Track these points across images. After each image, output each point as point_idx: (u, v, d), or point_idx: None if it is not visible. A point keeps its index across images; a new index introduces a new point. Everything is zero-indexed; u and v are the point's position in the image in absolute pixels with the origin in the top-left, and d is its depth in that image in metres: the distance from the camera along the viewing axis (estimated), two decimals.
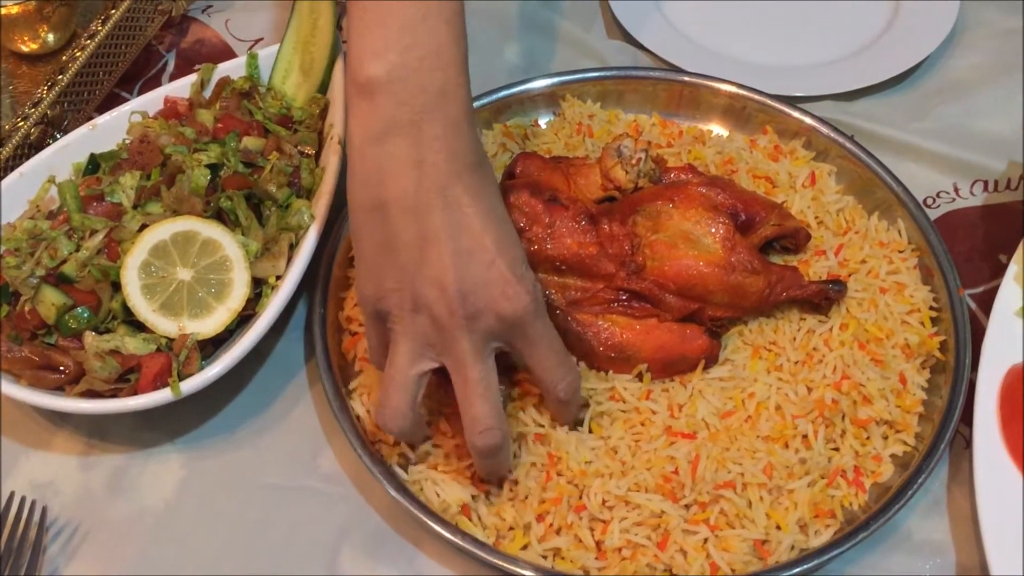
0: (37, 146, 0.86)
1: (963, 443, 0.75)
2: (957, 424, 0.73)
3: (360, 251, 0.66)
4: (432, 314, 0.63)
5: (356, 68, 0.63)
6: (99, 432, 0.77)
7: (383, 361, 0.68)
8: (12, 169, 0.83)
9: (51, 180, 0.83)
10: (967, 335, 0.76)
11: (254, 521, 0.73)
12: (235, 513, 0.73)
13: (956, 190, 0.91)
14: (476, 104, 0.88)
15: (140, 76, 1.02)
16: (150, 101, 0.88)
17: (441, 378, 0.67)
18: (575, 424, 0.73)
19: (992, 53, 1.02)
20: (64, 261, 0.75)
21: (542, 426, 0.72)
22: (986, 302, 0.81)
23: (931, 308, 0.79)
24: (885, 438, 0.73)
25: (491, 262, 0.63)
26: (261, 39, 1.05)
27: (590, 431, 0.73)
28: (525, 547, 0.69)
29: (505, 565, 0.67)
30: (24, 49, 0.98)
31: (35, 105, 0.87)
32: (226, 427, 0.78)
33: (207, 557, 0.71)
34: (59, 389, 0.74)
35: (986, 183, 0.91)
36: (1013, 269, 0.79)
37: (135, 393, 0.72)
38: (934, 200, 0.90)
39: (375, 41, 0.62)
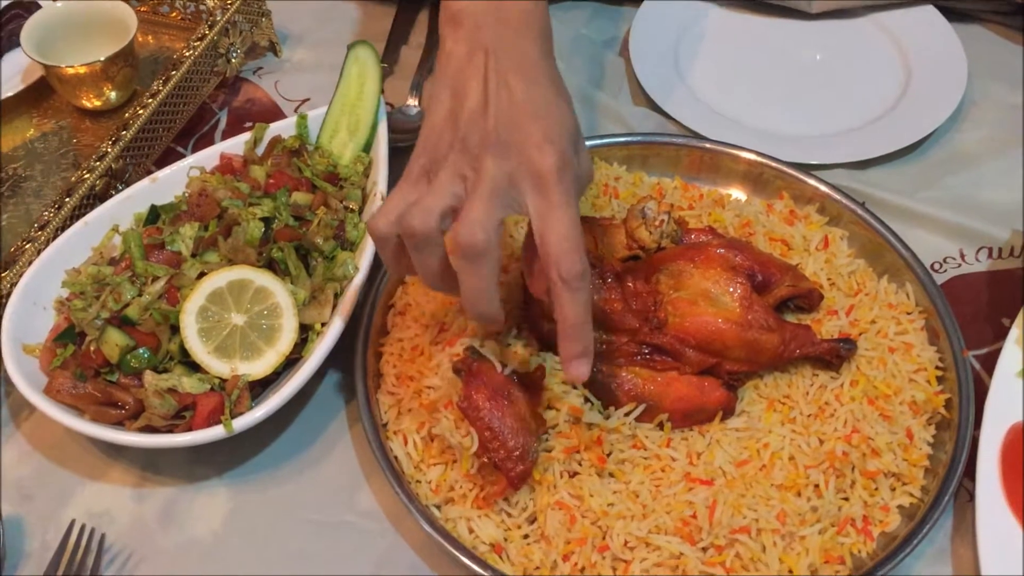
0: (101, 197, 0.92)
1: (966, 496, 0.79)
2: (961, 478, 0.76)
3: (420, 139, 0.71)
4: (467, 144, 0.68)
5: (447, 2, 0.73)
6: (152, 465, 0.82)
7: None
8: (78, 218, 0.89)
9: (115, 229, 0.88)
10: (971, 394, 0.80)
11: (295, 554, 0.77)
12: (278, 545, 0.78)
13: (962, 256, 0.95)
14: None
15: (195, 132, 1.07)
16: (207, 157, 0.93)
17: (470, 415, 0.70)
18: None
19: (997, 127, 1.06)
20: (127, 305, 0.81)
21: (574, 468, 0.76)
22: (989, 363, 0.85)
23: (937, 367, 0.82)
24: (893, 490, 0.77)
25: (536, 117, 0.68)
26: (308, 99, 1.11)
27: (611, 476, 0.77)
28: None
29: None
30: (88, 105, 1.05)
31: (100, 159, 0.93)
32: (271, 463, 0.82)
33: None
34: (119, 424, 0.78)
35: (990, 250, 0.95)
36: (1015, 332, 0.82)
37: (190, 429, 0.77)
38: (941, 265, 0.94)
39: None
